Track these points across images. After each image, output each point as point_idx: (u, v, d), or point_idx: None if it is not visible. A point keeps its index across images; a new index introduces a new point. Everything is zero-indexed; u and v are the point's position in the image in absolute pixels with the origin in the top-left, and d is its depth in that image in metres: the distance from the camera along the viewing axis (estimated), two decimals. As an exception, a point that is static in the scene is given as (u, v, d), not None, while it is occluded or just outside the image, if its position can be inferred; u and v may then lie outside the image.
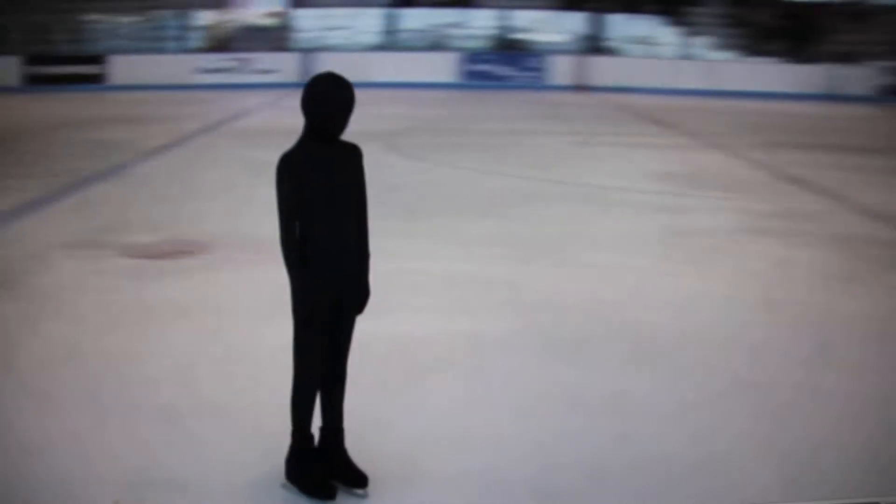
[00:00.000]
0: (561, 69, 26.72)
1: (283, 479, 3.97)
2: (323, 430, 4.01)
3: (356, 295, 3.88)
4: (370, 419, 4.44)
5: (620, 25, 28.54)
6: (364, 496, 3.90)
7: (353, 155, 3.81)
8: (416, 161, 13.70)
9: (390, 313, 5.82)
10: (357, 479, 3.95)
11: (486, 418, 4.75)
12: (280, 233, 3.68)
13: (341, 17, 27.89)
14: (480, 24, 28.50)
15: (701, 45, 28.50)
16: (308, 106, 3.65)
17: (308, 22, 28.04)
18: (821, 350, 5.98)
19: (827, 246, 8.92)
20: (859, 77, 26.32)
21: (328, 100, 3.64)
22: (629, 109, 22.95)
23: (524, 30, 28.60)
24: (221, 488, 3.96)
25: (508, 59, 26.80)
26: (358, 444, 4.03)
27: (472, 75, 26.25)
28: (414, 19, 28.38)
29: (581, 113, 21.92)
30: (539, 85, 25.19)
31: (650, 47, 28.45)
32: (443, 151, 14.81)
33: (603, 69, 26.65)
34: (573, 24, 28.45)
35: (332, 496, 3.88)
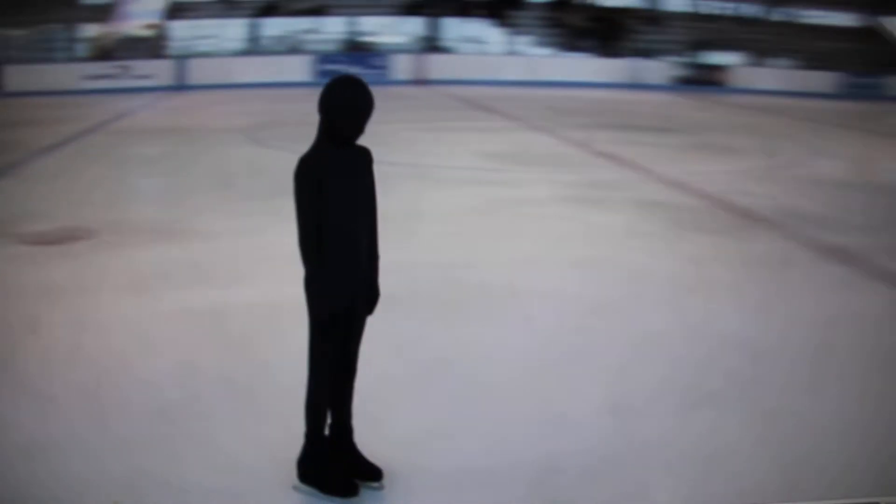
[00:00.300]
0: (403, 66, 28.35)
1: (293, 481, 3.93)
2: (334, 427, 3.94)
3: (369, 296, 3.89)
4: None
5: (454, 28, 30.61)
6: (380, 488, 3.95)
7: (366, 158, 3.78)
8: (276, 150, 14.12)
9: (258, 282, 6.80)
10: (372, 473, 3.96)
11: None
12: (299, 237, 3.61)
13: (210, 27, 28.93)
14: (332, 29, 30.11)
15: (523, 43, 30.79)
16: (333, 111, 3.59)
17: (181, 32, 28.92)
18: (628, 297, 7.04)
19: (631, 210, 10.13)
20: (656, 69, 29.26)
21: (356, 105, 3.60)
22: (462, 99, 24.05)
23: (371, 33, 30.29)
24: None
25: (357, 59, 28.20)
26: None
27: (325, 74, 27.27)
28: (274, 27, 29.81)
29: (420, 103, 22.98)
30: (384, 80, 26.60)
31: (480, 46, 30.54)
32: (299, 141, 15.30)
33: (439, 65, 28.43)
34: (413, 27, 30.41)
35: (355, 492, 3.88)
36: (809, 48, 33.21)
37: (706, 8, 34.05)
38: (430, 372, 5.42)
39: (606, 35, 30.23)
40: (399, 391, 5.11)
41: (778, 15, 35.57)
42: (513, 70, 28.36)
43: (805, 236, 9.51)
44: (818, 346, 6.18)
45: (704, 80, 29.35)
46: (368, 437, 4.08)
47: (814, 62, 32.73)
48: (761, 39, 32.83)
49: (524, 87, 26.72)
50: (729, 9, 34.56)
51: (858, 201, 11.75)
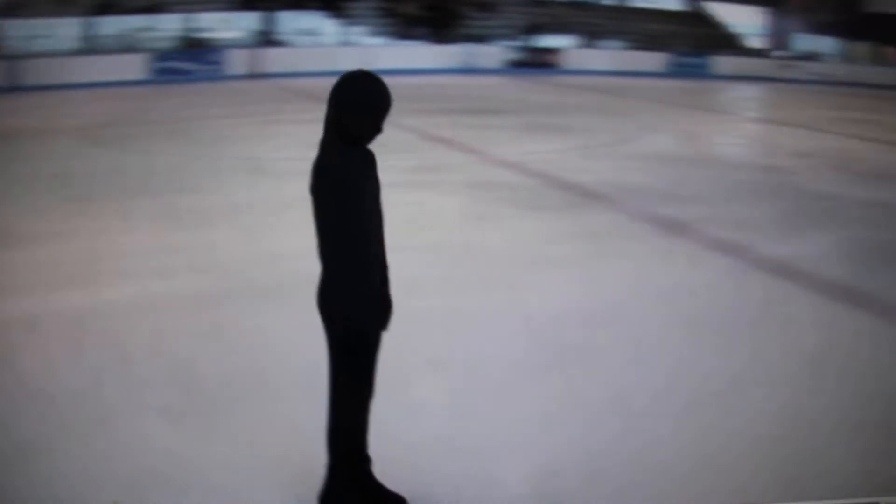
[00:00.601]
0: (238, 61, 27.87)
1: None
2: (359, 455, 3.62)
3: (387, 308, 3.62)
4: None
5: (289, 21, 30.26)
6: None
7: (373, 159, 3.46)
8: (114, 150, 13.82)
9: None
10: (397, 502, 3.69)
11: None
12: (334, 250, 3.30)
13: (44, 26, 27.50)
14: (168, 26, 29.24)
15: (358, 33, 30.70)
16: (363, 109, 3.31)
17: (13, 31, 27.42)
18: (467, 277, 7.17)
19: (468, 192, 10.22)
20: (490, 54, 29.64)
21: (379, 103, 3.34)
22: (297, 91, 23.58)
23: (207, 29, 29.62)
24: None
25: (192, 56, 27.59)
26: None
27: (162, 72, 26.77)
28: (110, 25, 28.62)
29: (255, 97, 22.60)
30: (219, 76, 26.11)
31: (315, 38, 30.29)
32: (139, 141, 14.90)
33: (274, 59, 28.01)
34: (248, 21, 29.92)
35: None
36: (639, 30, 34.27)
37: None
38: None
39: (440, 22, 30.42)
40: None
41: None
42: (348, 61, 27.84)
43: (638, 210, 9.75)
44: (655, 316, 6.38)
45: (537, 62, 29.91)
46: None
47: (643, 44, 33.76)
48: (593, 23, 33.67)
49: (359, 77, 26.67)
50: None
51: (688, 174, 12.15)
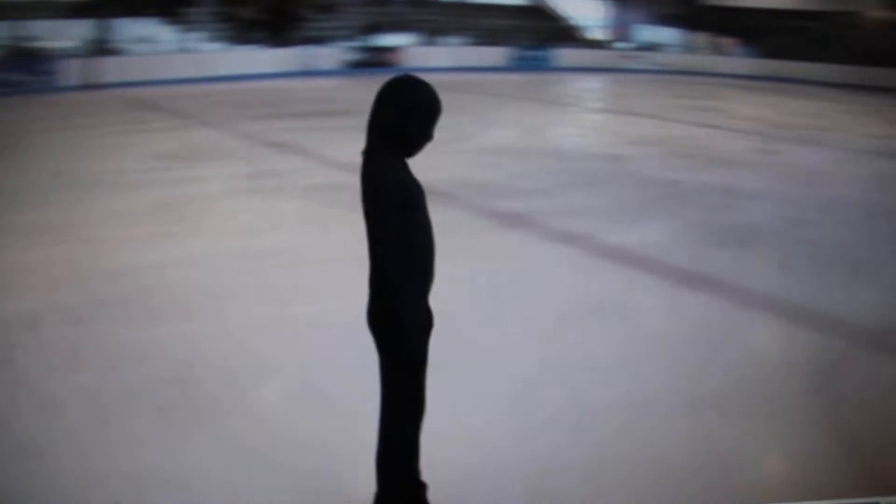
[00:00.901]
0: (72, 71, 26.68)
1: None
2: (414, 481, 3.55)
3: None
4: None
5: (124, 28, 29.22)
6: None
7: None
8: None
9: None
10: None
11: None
12: (396, 264, 3.17)
13: None
14: None
15: (195, 39, 29.92)
16: (426, 115, 3.20)
17: None
18: (311, 283, 7.15)
19: (306, 196, 10.07)
20: (329, 55, 29.38)
21: (437, 110, 3.25)
22: (133, 101, 22.86)
23: (37, 38, 28.25)
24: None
25: (21, 65, 26.28)
26: None
27: None
28: None
29: (90, 109, 21.91)
30: (52, 87, 24.97)
31: (151, 45, 29.37)
32: None
33: (110, 68, 26.92)
34: (82, 29, 28.69)
35: None
36: (480, 26, 34.54)
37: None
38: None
39: (278, 25, 29.98)
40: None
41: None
42: (185, 67, 27.48)
43: (478, 205, 9.76)
44: (493, 311, 6.52)
45: (377, 62, 29.74)
46: None
47: (484, 39, 34.08)
48: (433, 20, 33.74)
49: (197, 84, 26.08)
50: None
51: (529, 167, 12.27)
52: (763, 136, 17.09)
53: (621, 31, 40.70)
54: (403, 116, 3.15)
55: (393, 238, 3.13)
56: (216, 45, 29.99)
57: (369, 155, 3.20)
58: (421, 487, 3.54)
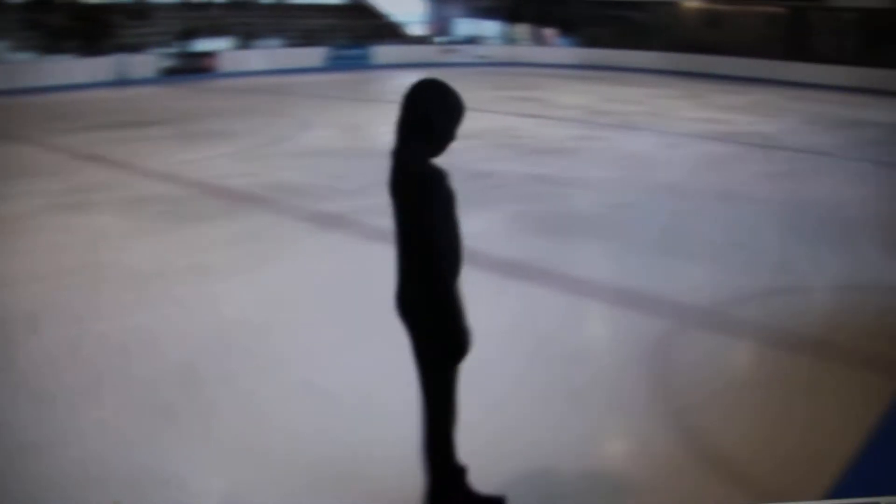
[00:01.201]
0: None
1: None
2: (454, 466, 3.82)
3: None
4: None
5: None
6: None
7: None
8: None
9: None
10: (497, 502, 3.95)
11: None
12: (434, 255, 3.37)
13: None
14: None
15: (0, 49, 28.84)
16: (456, 115, 3.50)
17: None
18: (120, 303, 7.19)
19: (125, 210, 9.96)
20: (143, 63, 28.82)
21: (462, 108, 3.54)
22: None
23: None
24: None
25: None
26: None
27: None
28: None
29: None
30: None
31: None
32: None
33: None
34: None
35: None
36: (298, 26, 34.50)
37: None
38: None
39: (90, 33, 29.22)
40: None
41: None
42: (-8, 79, 26.56)
43: (298, 209, 9.93)
44: (321, 315, 6.65)
45: (193, 68, 29.48)
46: None
47: (303, 39, 34.06)
48: (249, 23, 33.52)
49: (4, 97, 25.15)
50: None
51: (348, 168, 12.51)
52: (585, 124, 17.82)
53: (441, 26, 41.36)
54: (440, 116, 3.46)
55: (439, 228, 3.38)
56: (24, 55, 29.06)
57: (402, 152, 3.48)
58: (463, 471, 3.87)
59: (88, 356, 5.85)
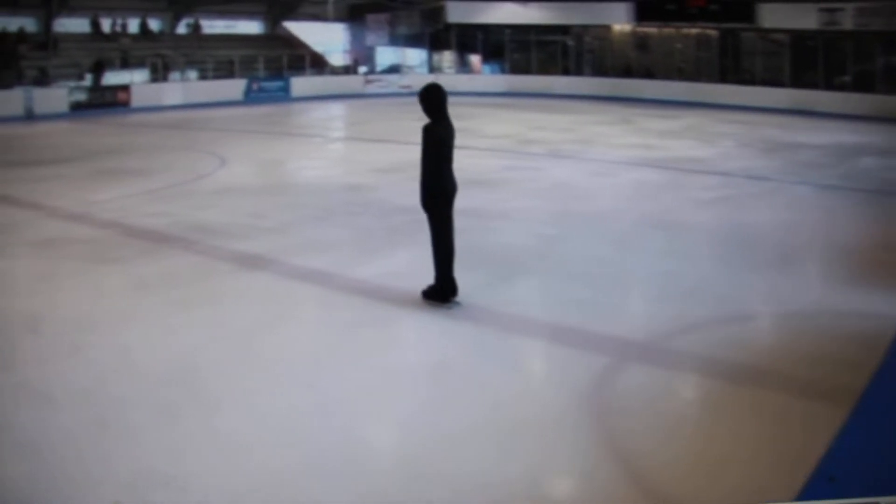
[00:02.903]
0: None
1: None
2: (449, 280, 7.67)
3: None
4: None
5: None
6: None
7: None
8: None
9: None
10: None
11: None
12: (433, 166, 7.66)
13: None
14: None
15: None
16: (440, 100, 7.75)
17: None
18: (33, 346, 7.13)
19: (31, 253, 9.82)
20: (53, 97, 28.42)
21: (443, 96, 7.79)
22: None
23: None
24: None
25: None
26: None
27: None
28: None
29: None
30: None
31: None
32: None
33: None
34: None
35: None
36: (216, 58, 34.35)
37: (107, 27, 33.81)
38: None
39: (-5, 66, 28.77)
40: None
41: (183, 28, 36.37)
42: None
43: (216, 249, 9.84)
44: (236, 361, 6.59)
45: (105, 102, 29.16)
46: None
47: (221, 71, 33.93)
48: (164, 54, 33.31)
49: None
50: (133, 26, 34.67)
51: (268, 205, 12.45)
52: (514, 154, 17.96)
53: (363, 55, 41.49)
54: (437, 100, 7.76)
55: (437, 150, 7.70)
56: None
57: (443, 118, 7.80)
58: (453, 282, 7.72)
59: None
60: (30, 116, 26.97)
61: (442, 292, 7.59)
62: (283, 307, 7.88)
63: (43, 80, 29.11)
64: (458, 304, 7.57)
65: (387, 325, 7.33)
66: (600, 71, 36.10)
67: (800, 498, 4.41)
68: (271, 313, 7.69)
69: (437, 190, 7.58)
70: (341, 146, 22.19)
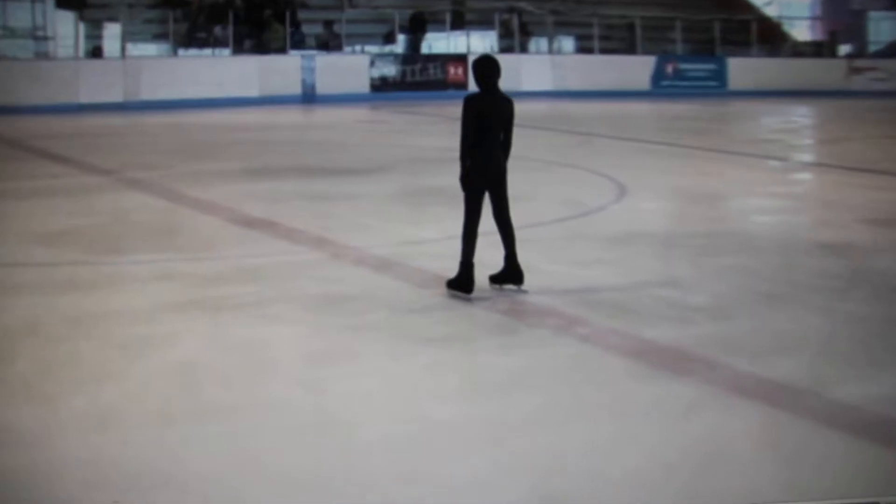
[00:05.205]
0: None
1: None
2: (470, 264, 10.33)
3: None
4: None
5: None
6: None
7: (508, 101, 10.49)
8: None
9: None
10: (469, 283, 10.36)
11: None
12: (465, 139, 10.09)
13: None
14: None
15: None
16: (480, 72, 10.23)
17: None
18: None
19: (294, 318, 9.97)
20: (363, 69, 29.70)
21: (487, 64, 10.41)
22: None
23: None
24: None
25: None
26: None
27: None
28: None
29: None
30: None
31: None
32: None
33: None
34: None
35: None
36: (607, 19, 35.11)
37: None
38: None
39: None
40: None
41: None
42: None
43: (616, 334, 9.78)
44: None
45: (429, 81, 29.97)
46: None
47: (613, 41, 34.64)
48: (526, 10, 34.33)
49: None
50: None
51: (689, 266, 12.29)
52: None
53: (846, 27, 41.05)
54: (484, 71, 10.40)
55: (471, 125, 10.23)
56: None
57: (496, 89, 10.48)
58: (472, 266, 10.35)
59: None
60: (309, 98, 27.95)
61: (458, 281, 10.31)
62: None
63: (331, 42, 29.80)
64: (524, 291, 10.52)
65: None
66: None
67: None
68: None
69: (472, 167, 10.20)
70: (811, 178, 21.87)
